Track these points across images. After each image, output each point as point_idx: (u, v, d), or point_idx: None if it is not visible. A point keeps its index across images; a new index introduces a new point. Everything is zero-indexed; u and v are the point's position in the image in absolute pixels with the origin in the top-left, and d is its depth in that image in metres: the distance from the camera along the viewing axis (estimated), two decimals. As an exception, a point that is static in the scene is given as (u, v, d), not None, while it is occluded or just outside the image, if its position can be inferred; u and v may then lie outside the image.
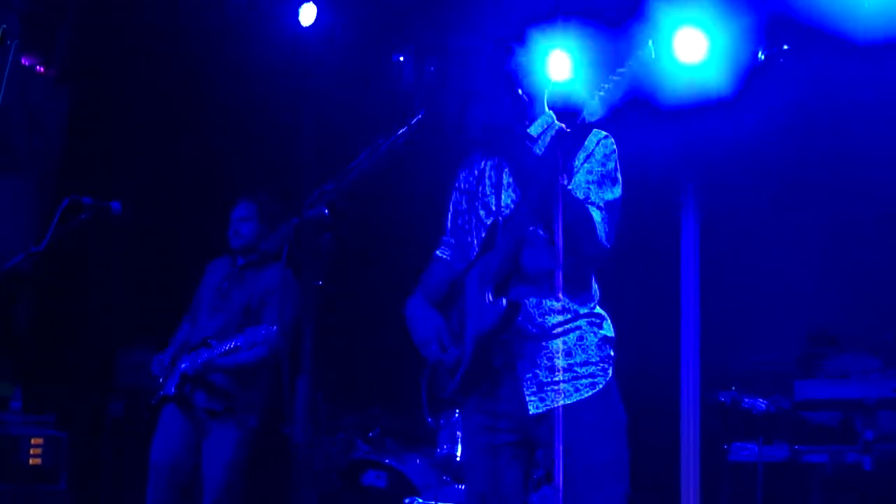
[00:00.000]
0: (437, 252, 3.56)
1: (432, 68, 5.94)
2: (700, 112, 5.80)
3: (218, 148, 7.53)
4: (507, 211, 3.26)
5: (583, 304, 3.29)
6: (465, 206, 3.46)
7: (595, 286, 3.38)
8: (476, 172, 3.44)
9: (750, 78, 5.85)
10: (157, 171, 7.59)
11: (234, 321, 5.30)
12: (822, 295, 6.09)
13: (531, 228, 3.09)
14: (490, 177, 3.39)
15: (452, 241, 3.53)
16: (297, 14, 6.97)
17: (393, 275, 4.68)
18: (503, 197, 3.30)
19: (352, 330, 7.07)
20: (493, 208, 3.32)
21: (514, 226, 3.13)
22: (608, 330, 3.34)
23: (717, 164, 6.41)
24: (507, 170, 3.31)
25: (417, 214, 5.10)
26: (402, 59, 6.63)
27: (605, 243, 3.15)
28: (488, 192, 3.36)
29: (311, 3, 6.91)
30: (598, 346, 3.27)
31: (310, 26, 6.95)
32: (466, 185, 3.46)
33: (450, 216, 3.53)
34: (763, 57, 5.92)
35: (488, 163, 3.41)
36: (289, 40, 7.09)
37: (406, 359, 3.51)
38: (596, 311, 3.33)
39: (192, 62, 7.35)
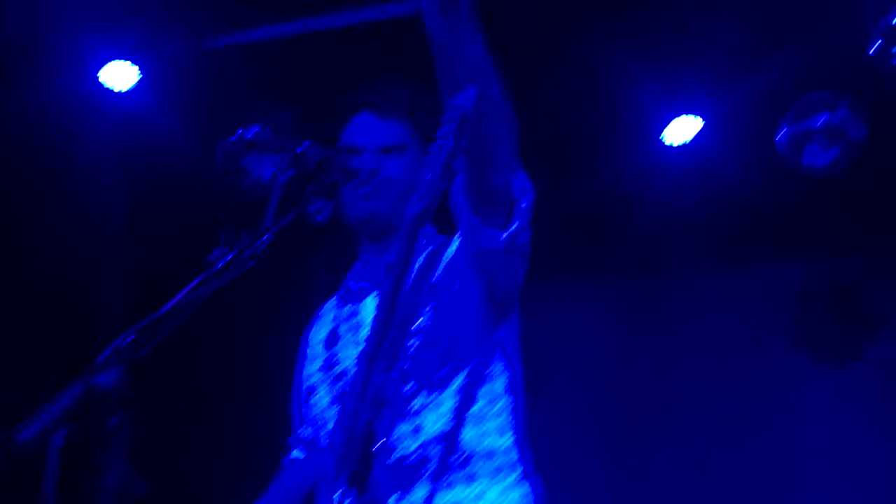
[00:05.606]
0: (289, 456, 3.13)
1: (310, 149, 4.71)
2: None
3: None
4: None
5: (497, 478, 2.67)
6: (315, 379, 3.04)
7: (513, 438, 2.73)
8: (328, 331, 3.02)
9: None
10: None
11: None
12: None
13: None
14: (349, 330, 2.98)
15: (306, 432, 3.09)
16: (96, 70, 5.34)
17: (226, 476, 4.48)
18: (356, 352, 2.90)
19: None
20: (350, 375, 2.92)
21: (355, 390, 2.57)
22: None
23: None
24: (359, 319, 2.93)
25: (269, 383, 4.23)
26: (259, 132, 5.41)
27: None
28: (340, 356, 2.95)
29: (123, 61, 5.36)
30: None
31: (129, 90, 5.43)
32: (314, 351, 3.06)
33: (294, 400, 3.12)
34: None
35: (350, 306, 2.98)
36: (87, 107, 5.53)
37: None
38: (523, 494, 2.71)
39: None
